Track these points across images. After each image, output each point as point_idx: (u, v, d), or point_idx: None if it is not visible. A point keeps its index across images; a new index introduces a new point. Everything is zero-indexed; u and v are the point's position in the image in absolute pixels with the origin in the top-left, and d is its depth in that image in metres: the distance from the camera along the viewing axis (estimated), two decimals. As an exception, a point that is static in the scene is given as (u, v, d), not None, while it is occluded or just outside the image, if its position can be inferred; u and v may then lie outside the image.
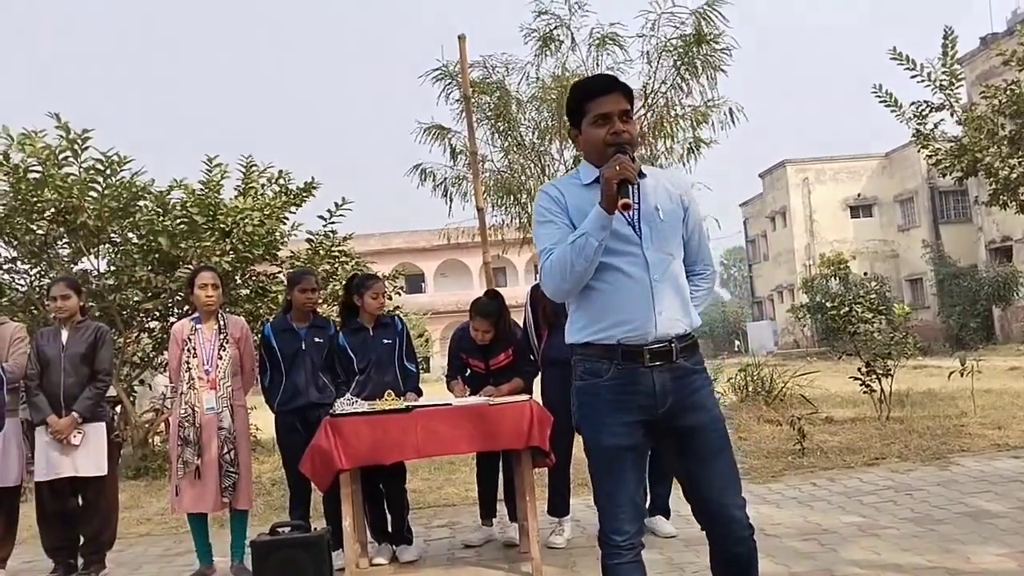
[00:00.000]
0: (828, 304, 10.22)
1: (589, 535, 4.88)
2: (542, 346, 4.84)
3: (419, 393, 4.86)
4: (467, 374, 4.92)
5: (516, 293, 33.51)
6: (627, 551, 2.47)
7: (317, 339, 4.79)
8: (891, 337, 9.04)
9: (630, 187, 2.31)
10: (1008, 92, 8.67)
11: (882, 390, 8.46)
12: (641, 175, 2.49)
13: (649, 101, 10.35)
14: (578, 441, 4.79)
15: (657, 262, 2.45)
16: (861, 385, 8.50)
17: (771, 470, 6.31)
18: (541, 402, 4.49)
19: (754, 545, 2.52)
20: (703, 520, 2.54)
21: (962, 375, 8.40)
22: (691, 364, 2.49)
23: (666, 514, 4.80)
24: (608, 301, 2.44)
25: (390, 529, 4.80)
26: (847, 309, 9.48)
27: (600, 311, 2.46)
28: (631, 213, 2.42)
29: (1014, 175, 8.80)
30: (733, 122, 10.27)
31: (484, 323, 4.79)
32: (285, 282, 5.70)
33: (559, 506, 4.83)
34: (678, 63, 10.08)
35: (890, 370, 8.46)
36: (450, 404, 4.32)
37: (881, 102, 9.28)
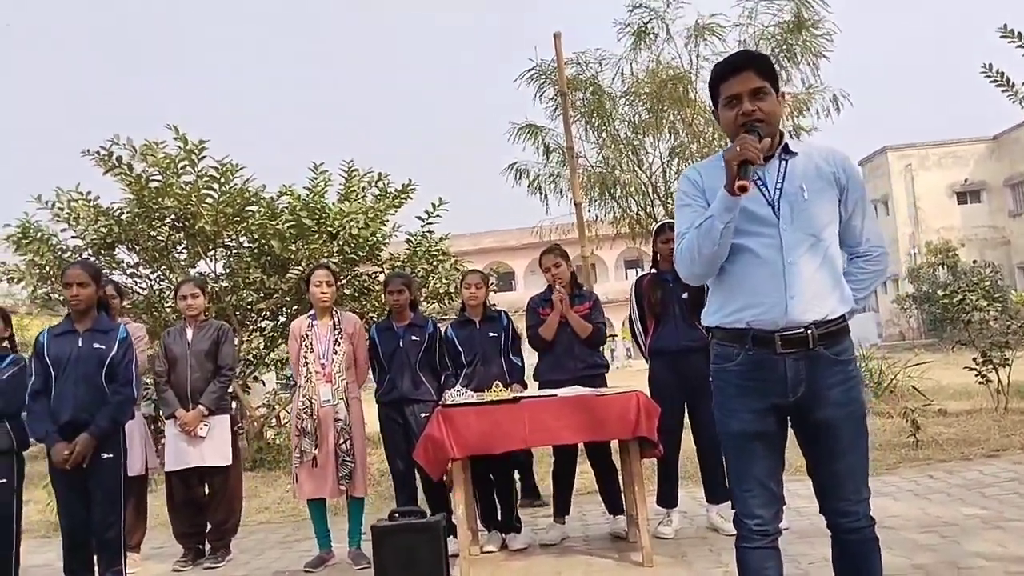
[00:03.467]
0: (939, 292, 9.77)
1: (697, 526, 4.87)
2: (648, 338, 4.87)
3: (525, 385, 4.96)
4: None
5: (606, 289, 33.42)
6: (760, 536, 2.45)
7: (414, 337, 4.96)
8: (1008, 326, 8.63)
9: (750, 167, 2.25)
10: None
11: (999, 381, 8.10)
12: (789, 152, 2.45)
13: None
14: (687, 435, 4.86)
15: (795, 244, 2.35)
16: (977, 376, 8.15)
17: (885, 463, 6.13)
18: (649, 393, 4.51)
19: (873, 537, 2.48)
20: (823, 511, 2.52)
21: (1088, 364, 7.96)
22: (832, 353, 2.37)
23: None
24: (738, 283, 2.40)
25: (499, 518, 4.91)
26: (960, 297, 9.06)
27: (730, 294, 2.43)
28: (771, 192, 2.38)
29: None
30: (838, 108, 10.00)
31: (550, 257, 4.93)
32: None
33: (668, 497, 4.84)
34: (776, 51, 9.89)
35: (1008, 360, 8.09)
36: (556, 395, 4.38)
37: (992, 82, 8.82)
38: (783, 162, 2.44)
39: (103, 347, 4.09)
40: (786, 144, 2.46)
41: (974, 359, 8.19)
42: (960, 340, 9.19)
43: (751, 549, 2.47)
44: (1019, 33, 8.50)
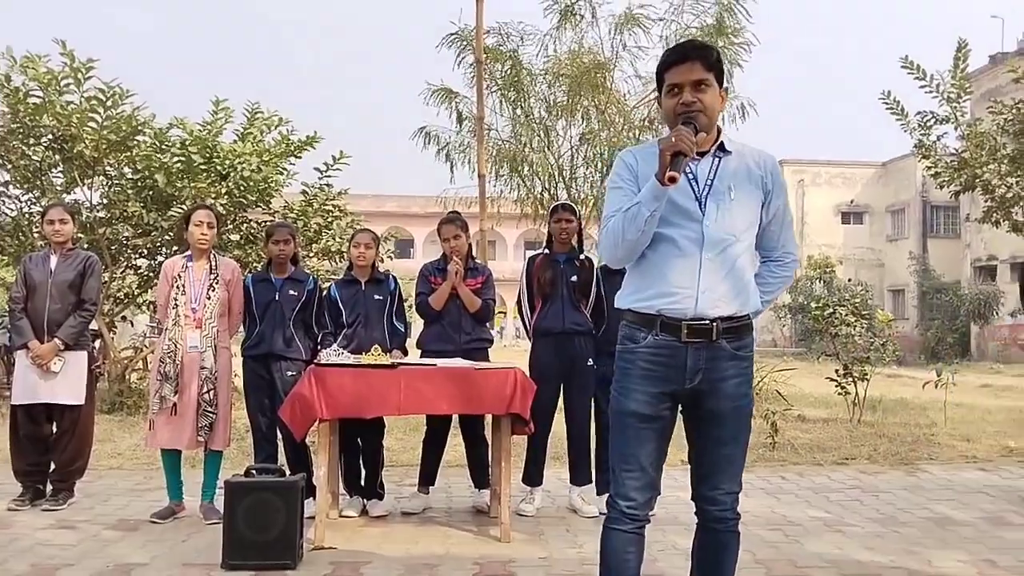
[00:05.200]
0: (812, 305, 10.23)
1: (558, 506, 4.94)
2: (534, 317, 4.87)
3: (405, 352, 4.88)
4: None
5: (504, 267, 33.55)
6: (629, 520, 2.48)
7: (292, 292, 4.76)
8: (871, 342, 9.13)
9: (683, 160, 2.27)
10: (1015, 111, 8.69)
11: (856, 393, 8.57)
12: (724, 151, 2.48)
13: (661, 87, 10.31)
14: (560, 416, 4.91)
15: (715, 241, 2.40)
16: (837, 387, 8.60)
17: (742, 461, 6.38)
18: (528, 372, 4.52)
19: (736, 531, 2.57)
20: (695, 498, 2.59)
21: (936, 387, 8.52)
22: (732, 348, 2.45)
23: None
24: (655, 271, 2.44)
25: (362, 483, 4.84)
26: (830, 311, 9.51)
27: (646, 280, 2.47)
28: (700, 188, 2.42)
29: (1010, 194, 8.84)
30: (744, 116, 10.27)
31: (450, 227, 4.86)
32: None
33: (533, 475, 4.88)
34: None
35: (866, 375, 8.57)
36: (435, 364, 4.33)
37: (888, 109, 9.28)
38: (717, 159, 2.47)
39: None
40: (722, 142, 2.49)
41: (836, 371, 8.64)
42: (826, 352, 9.66)
43: (617, 531, 2.50)
44: (919, 65, 8.97)
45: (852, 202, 34.90)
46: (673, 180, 2.25)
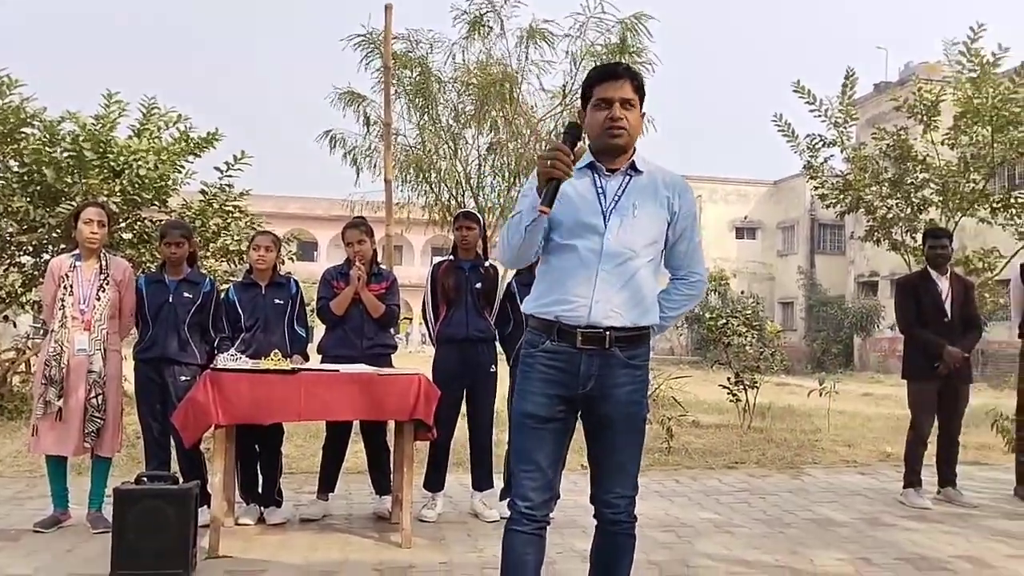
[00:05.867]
0: (706, 315, 10.62)
1: (460, 511, 4.96)
2: (438, 324, 4.89)
3: (306, 358, 4.81)
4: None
5: (410, 273, 33.35)
6: (528, 521, 2.54)
7: (187, 294, 4.62)
8: (761, 352, 9.54)
9: (557, 184, 2.35)
10: (895, 137, 9.27)
11: (747, 401, 8.94)
12: (636, 171, 2.57)
13: (567, 101, 10.51)
14: (462, 424, 4.94)
15: (613, 255, 2.49)
16: (728, 394, 8.96)
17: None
18: (431, 378, 4.53)
19: (632, 534, 2.66)
20: (593, 501, 2.67)
21: (820, 395, 8.98)
22: (626, 356, 2.53)
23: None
24: (556, 279, 2.55)
25: (260, 491, 4.74)
26: (724, 322, 9.90)
27: (548, 287, 2.57)
28: (607, 203, 2.52)
29: (890, 215, 9.41)
30: (643, 131, 10.55)
31: (355, 232, 4.85)
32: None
33: (434, 481, 4.89)
34: (598, 68, 10.28)
35: (756, 383, 8.96)
36: (337, 371, 4.29)
37: (779, 131, 9.74)
38: (627, 177, 2.57)
39: None
40: (634, 162, 2.58)
41: (728, 379, 9.00)
42: (719, 360, 10.03)
43: (516, 532, 2.55)
44: (809, 90, 9.46)
45: (746, 218, 36.32)
46: (544, 213, 2.36)
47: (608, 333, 2.49)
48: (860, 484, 6.18)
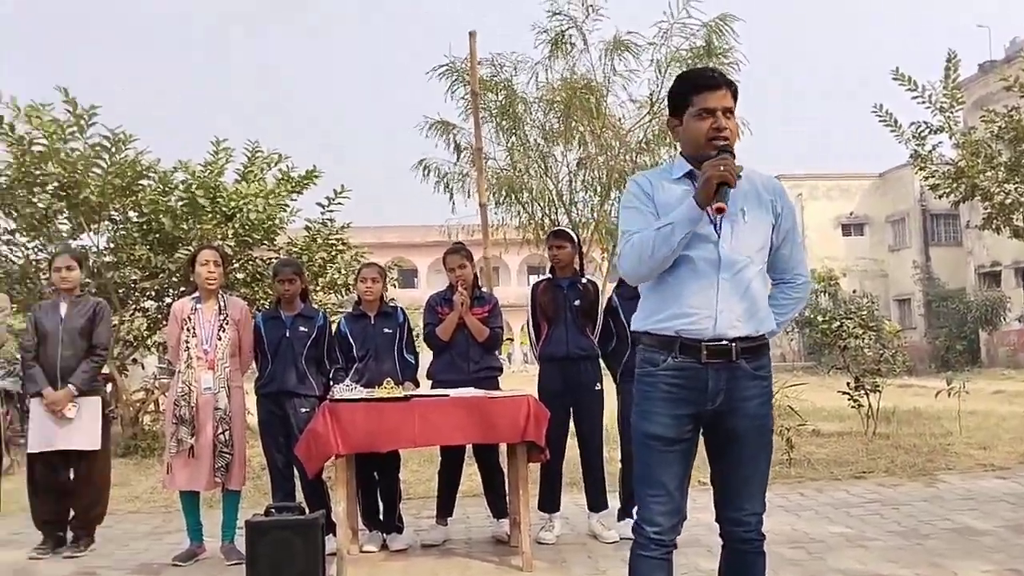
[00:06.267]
0: (819, 318, 10.23)
1: (578, 533, 4.92)
2: (540, 342, 4.89)
3: (416, 384, 4.89)
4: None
5: (507, 293, 33.54)
6: (656, 546, 2.47)
7: (302, 328, 4.78)
8: (880, 354, 9.12)
9: (728, 189, 2.33)
10: (1007, 118, 8.76)
11: (870, 406, 8.54)
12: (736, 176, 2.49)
13: (655, 109, 10.41)
14: (572, 443, 4.91)
15: (730, 263, 2.43)
16: (849, 400, 8.58)
17: (759, 478, 6.36)
18: (538, 397, 4.53)
19: (762, 552, 2.57)
20: (719, 519, 2.59)
21: (949, 395, 8.49)
22: (752, 368, 2.46)
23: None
24: (673, 292, 2.45)
25: (381, 518, 4.83)
26: (838, 324, 9.52)
27: (663, 301, 2.48)
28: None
29: (1009, 200, 8.89)
30: (739, 135, 10.32)
31: (455, 258, 4.88)
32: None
33: (550, 502, 4.87)
34: (685, 74, 10.15)
35: (878, 386, 8.55)
36: (448, 395, 4.34)
37: (881, 122, 9.36)
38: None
39: None
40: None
41: (848, 384, 8.62)
42: (836, 365, 9.65)
43: (644, 557, 2.49)
44: (909, 77, 9.06)
45: (851, 214, 34.95)
46: (721, 211, 2.31)
47: (733, 345, 2.41)
48: (1000, 489, 5.80)
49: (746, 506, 2.53)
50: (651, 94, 10.49)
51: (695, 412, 2.46)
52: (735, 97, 2.50)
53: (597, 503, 4.87)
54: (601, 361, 4.98)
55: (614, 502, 4.94)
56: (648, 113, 10.57)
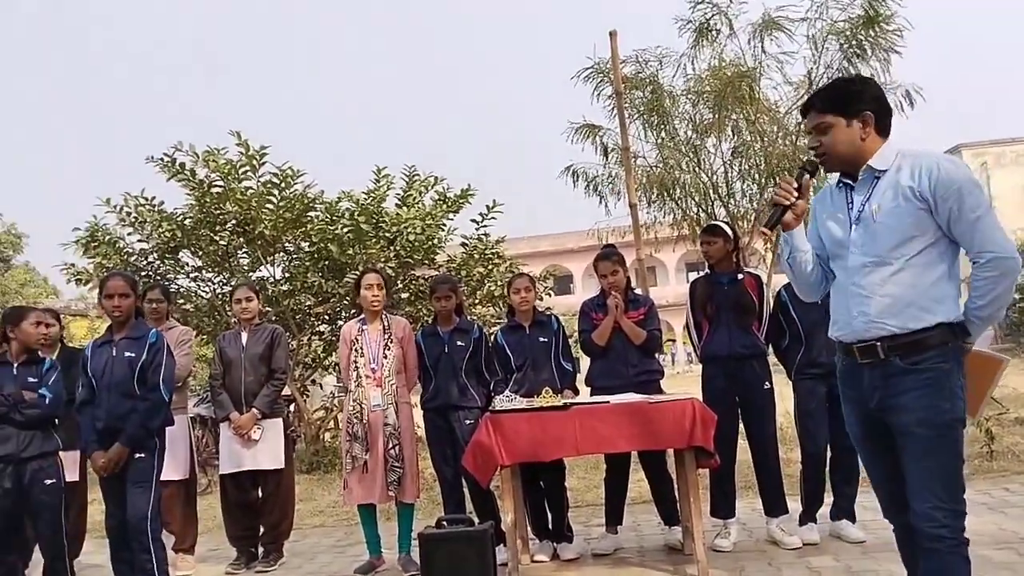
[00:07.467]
0: (1016, 296, 9.30)
1: (756, 539, 4.70)
2: (702, 342, 4.73)
3: (575, 391, 4.86)
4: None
5: (666, 292, 33.04)
6: (928, 538, 2.44)
7: (460, 343, 4.87)
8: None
9: (781, 211, 2.62)
10: None
11: (1084, 390, 7.67)
12: (877, 172, 2.53)
13: (814, 88, 9.86)
14: (742, 444, 4.70)
15: (858, 266, 2.51)
16: (1058, 384, 7.74)
17: (957, 475, 5.84)
18: (703, 398, 4.37)
19: (956, 553, 2.41)
20: (910, 519, 2.50)
21: None
22: (906, 364, 2.44)
23: (851, 518, 4.57)
24: (832, 301, 2.67)
25: (550, 526, 4.82)
26: (1039, 301, 8.61)
27: (831, 309, 2.69)
28: (853, 215, 2.56)
29: None
30: (911, 105, 9.60)
31: (607, 264, 4.79)
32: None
33: (723, 508, 4.68)
34: (844, 46, 9.55)
35: (1093, 367, 7.65)
36: (608, 402, 4.27)
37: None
38: (873, 182, 2.53)
39: (134, 354, 4.10)
40: (870, 165, 2.52)
41: (1055, 366, 7.78)
42: (1040, 346, 8.73)
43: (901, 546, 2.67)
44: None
45: (1047, 178, 31.73)
46: (765, 235, 2.45)
47: (879, 344, 2.47)
48: None
49: (929, 499, 2.40)
50: (809, 72, 9.95)
51: (865, 410, 2.56)
52: (829, 107, 2.55)
53: (774, 507, 4.63)
54: (775, 358, 4.76)
55: (794, 505, 4.68)
56: (806, 92, 10.02)
